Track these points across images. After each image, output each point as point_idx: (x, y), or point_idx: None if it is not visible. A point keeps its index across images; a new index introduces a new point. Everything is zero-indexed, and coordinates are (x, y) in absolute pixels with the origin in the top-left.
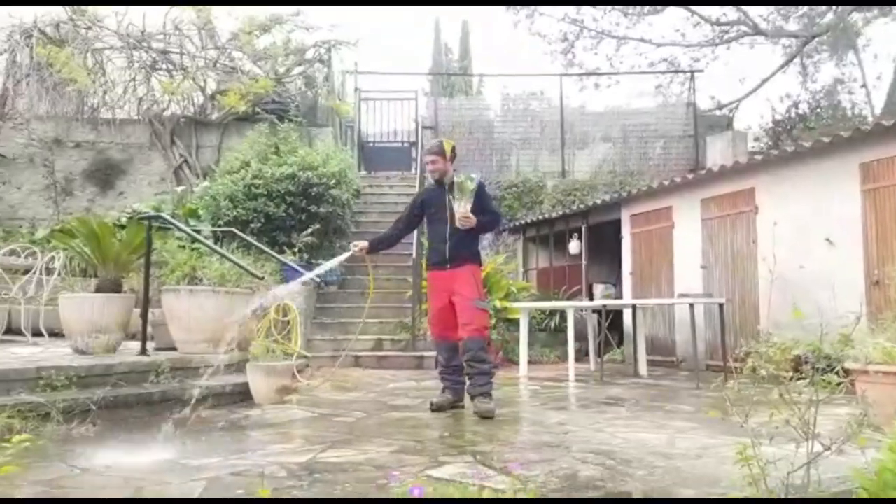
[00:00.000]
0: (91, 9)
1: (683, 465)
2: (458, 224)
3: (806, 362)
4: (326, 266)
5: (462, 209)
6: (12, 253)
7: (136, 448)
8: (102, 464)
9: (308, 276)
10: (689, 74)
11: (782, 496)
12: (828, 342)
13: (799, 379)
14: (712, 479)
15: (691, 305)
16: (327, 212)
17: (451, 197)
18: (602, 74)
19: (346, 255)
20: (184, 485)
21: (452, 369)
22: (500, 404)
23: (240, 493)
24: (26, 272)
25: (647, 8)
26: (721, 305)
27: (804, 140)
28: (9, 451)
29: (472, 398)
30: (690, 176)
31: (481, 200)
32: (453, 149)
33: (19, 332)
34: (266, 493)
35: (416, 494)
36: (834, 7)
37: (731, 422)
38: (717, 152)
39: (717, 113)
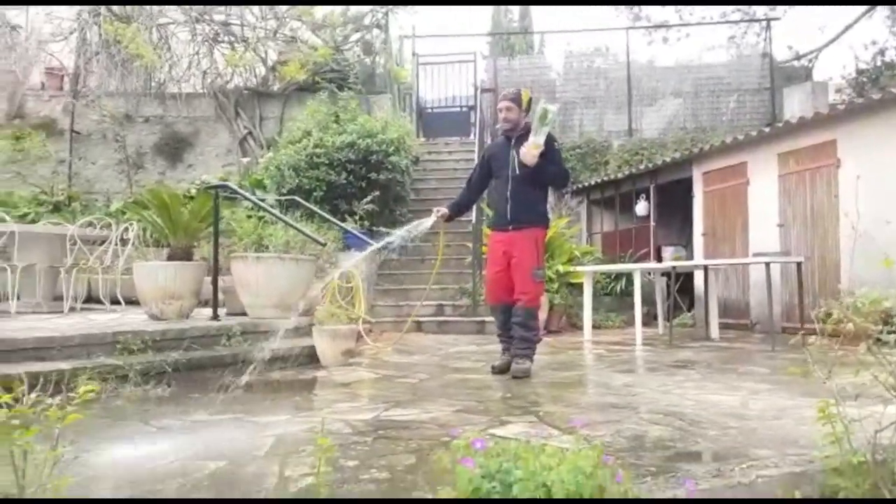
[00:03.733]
0: None
1: (759, 425)
2: (521, 157)
3: None
4: (410, 232)
5: (534, 139)
6: (89, 225)
7: (209, 407)
8: (176, 422)
9: (390, 239)
10: (764, 23)
11: (867, 457)
12: None
13: (890, 332)
14: (790, 439)
15: (767, 265)
16: (387, 179)
17: (515, 151)
18: (671, 26)
19: (429, 221)
20: (252, 441)
21: (510, 332)
22: (563, 367)
23: (306, 449)
24: (102, 243)
25: None
26: (799, 264)
27: (892, 87)
28: (75, 401)
29: (512, 358)
30: (767, 129)
31: (548, 152)
32: (529, 101)
33: (98, 301)
34: (326, 442)
35: (478, 447)
36: None
37: (811, 383)
38: (796, 105)
39: (795, 64)
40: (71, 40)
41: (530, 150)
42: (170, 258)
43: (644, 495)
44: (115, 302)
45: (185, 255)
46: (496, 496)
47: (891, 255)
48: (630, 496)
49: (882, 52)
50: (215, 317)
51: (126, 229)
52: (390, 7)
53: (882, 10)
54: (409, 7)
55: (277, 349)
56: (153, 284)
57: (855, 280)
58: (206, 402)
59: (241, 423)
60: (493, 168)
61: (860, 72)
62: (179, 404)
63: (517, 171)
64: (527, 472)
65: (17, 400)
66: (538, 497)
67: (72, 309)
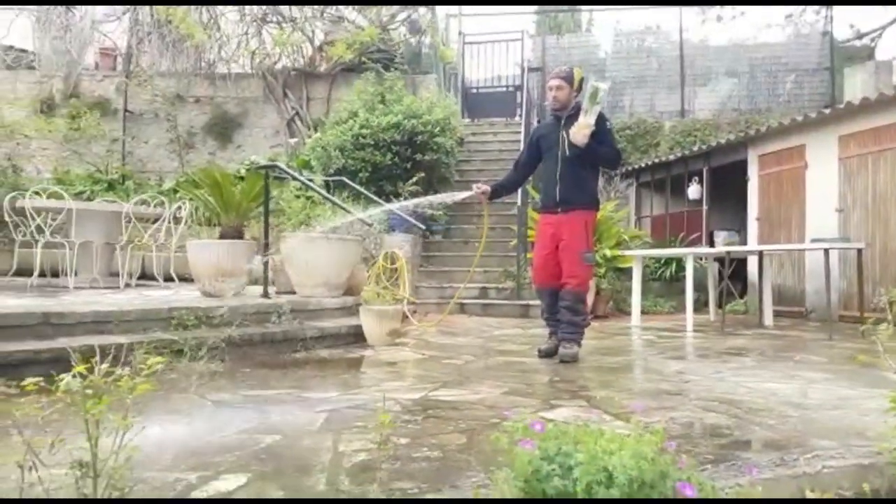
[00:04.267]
0: None
1: (819, 415)
2: (571, 138)
3: None
4: (444, 198)
5: (585, 119)
6: (143, 203)
7: (261, 382)
8: (231, 396)
9: (424, 200)
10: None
11: None
12: None
13: None
14: (854, 430)
15: (826, 251)
16: (431, 160)
17: (565, 133)
18: (726, 3)
19: (465, 193)
20: (307, 415)
21: (557, 315)
22: (612, 352)
23: (357, 425)
24: (156, 221)
25: None
26: (859, 251)
27: None
28: (144, 372)
29: (559, 343)
30: (827, 111)
31: (600, 132)
32: (581, 80)
33: (152, 277)
34: (386, 418)
35: (537, 429)
36: None
37: (872, 373)
38: (857, 85)
39: (857, 43)
40: (124, 21)
41: (581, 130)
42: (221, 237)
43: (707, 483)
44: (168, 279)
45: (237, 233)
46: (556, 478)
47: None
48: (693, 482)
49: None
50: (266, 295)
51: (179, 208)
52: None
53: None
54: None
55: (325, 327)
56: (206, 262)
57: None
58: (259, 377)
59: (293, 398)
60: (542, 149)
61: None
62: (233, 379)
63: (567, 152)
64: (587, 456)
65: (90, 370)
66: (599, 480)
67: (127, 285)
